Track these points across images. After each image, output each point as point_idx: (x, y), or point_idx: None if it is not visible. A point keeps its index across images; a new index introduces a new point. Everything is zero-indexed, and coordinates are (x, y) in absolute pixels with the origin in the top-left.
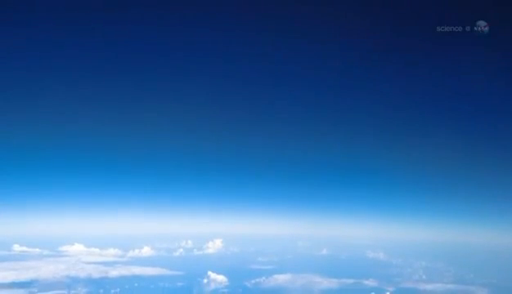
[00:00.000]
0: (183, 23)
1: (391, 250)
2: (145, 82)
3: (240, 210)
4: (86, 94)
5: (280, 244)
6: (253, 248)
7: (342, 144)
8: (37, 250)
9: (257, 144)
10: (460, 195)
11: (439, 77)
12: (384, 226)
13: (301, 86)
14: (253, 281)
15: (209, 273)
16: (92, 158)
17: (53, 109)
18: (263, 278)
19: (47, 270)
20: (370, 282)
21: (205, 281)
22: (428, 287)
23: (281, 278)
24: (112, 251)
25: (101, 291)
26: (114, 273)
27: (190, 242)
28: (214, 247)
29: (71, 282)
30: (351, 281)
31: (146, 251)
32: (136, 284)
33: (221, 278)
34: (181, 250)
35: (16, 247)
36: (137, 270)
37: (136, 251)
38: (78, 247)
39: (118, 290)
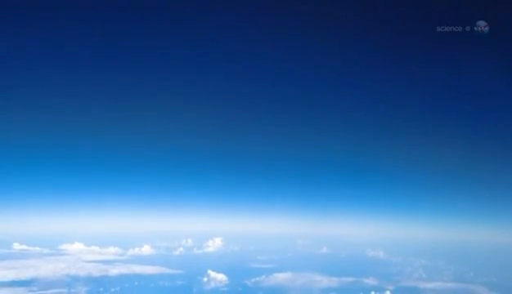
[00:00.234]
0: (183, 21)
1: (391, 248)
2: (146, 81)
3: (240, 208)
4: (86, 92)
5: (280, 243)
6: (253, 247)
7: (342, 142)
8: (37, 248)
9: (256, 142)
10: (460, 194)
11: (439, 78)
12: (383, 225)
13: (300, 86)
14: (253, 279)
15: (209, 271)
16: (92, 156)
17: (53, 108)
18: (263, 276)
19: (47, 269)
20: (370, 281)
21: (205, 279)
22: (428, 285)
23: (281, 277)
24: (112, 249)
25: (101, 289)
26: (114, 271)
27: (190, 240)
28: (214, 245)
29: (71, 281)
30: (351, 279)
31: (146, 249)
32: (136, 283)
33: (221, 276)
34: (181, 248)
35: (16, 246)
36: (137, 269)
37: (136, 249)
38: (78, 246)
39: (118, 288)
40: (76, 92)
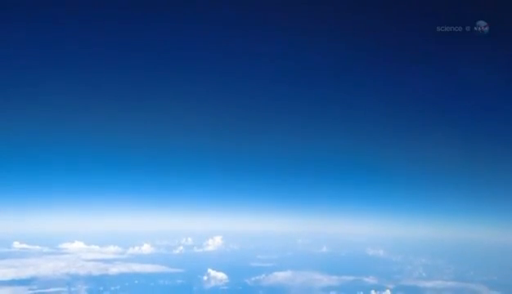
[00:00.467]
0: (183, 21)
1: (391, 247)
2: (146, 80)
3: (240, 207)
4: (87, 92)
5: (280, 241)
6: (253, 246)
7: (342, 142)
8: (37, 247)
9: (256, 141)
10: (460, 192)
11: (439, 77)
12: (383, 223)
13: (300, 85)
14: (253, 278)
15: (209, 270)
16: (93, 155)
17: (53, 107)
18: (263, 275)
19: (47, 268)
20: (370, 280)
21: (205, 278)
22: (429, 284)
23: (281, 276)
24: (112, 248)
25: (101, 288)
26: (114, 270)
27: (190, 239)
28: (214, 244)
29: (71, 280)
30: (351, 278)
31: (146, 248)
32: (136, 281)
33: (221, 275)
34: (181, 247)
35: (16, 245)
36: (137, 268)
37: (136, 248)
38: (78, 245)
39: (118, 287)
40: (76, 92)
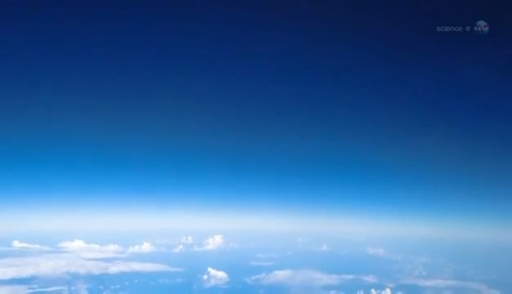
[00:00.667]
0: (183, 20)
1: (391, 246)
2: (146, 80)
3: (240, 206)
4: (86, 91)
5: (280, 240)
6: (254, 244)
7: (342, 141)
8: (37, 246)
9: (256, 141)
10: (460, 191)
11: (439, 77)
12: (384, 223)
13: (301, 85)
14: (253, 277)
15: (209, 269)
16: (93, 154)
17: (53, 107)
18: (263, 274)
19: (47, 266)
20: (370, 279)
21: (205, 277)
22: (428, 283)
23: (281, 275)
24: (112, 247)
25: (101, 287)
26: (114, 269)
27: (190, 238)
28: (214, 243)
29: (71, 279)
30: (351, 277)
31: (146, 247)
32: (136, 280)
33: (221, 274)
34: (181, 246)
35: (16, 244)
36: (137, 266)
37: (136, 247)
38: (78, 244)
39: (118, 286)
40: (77, 91)
